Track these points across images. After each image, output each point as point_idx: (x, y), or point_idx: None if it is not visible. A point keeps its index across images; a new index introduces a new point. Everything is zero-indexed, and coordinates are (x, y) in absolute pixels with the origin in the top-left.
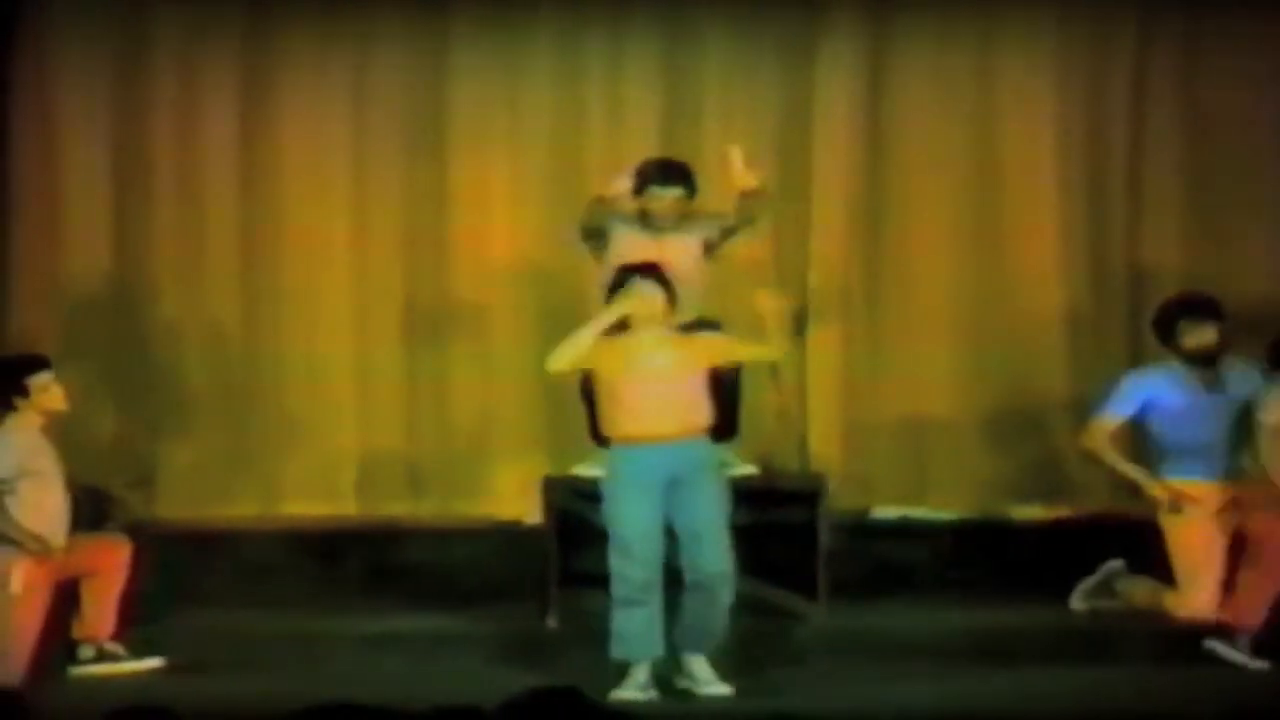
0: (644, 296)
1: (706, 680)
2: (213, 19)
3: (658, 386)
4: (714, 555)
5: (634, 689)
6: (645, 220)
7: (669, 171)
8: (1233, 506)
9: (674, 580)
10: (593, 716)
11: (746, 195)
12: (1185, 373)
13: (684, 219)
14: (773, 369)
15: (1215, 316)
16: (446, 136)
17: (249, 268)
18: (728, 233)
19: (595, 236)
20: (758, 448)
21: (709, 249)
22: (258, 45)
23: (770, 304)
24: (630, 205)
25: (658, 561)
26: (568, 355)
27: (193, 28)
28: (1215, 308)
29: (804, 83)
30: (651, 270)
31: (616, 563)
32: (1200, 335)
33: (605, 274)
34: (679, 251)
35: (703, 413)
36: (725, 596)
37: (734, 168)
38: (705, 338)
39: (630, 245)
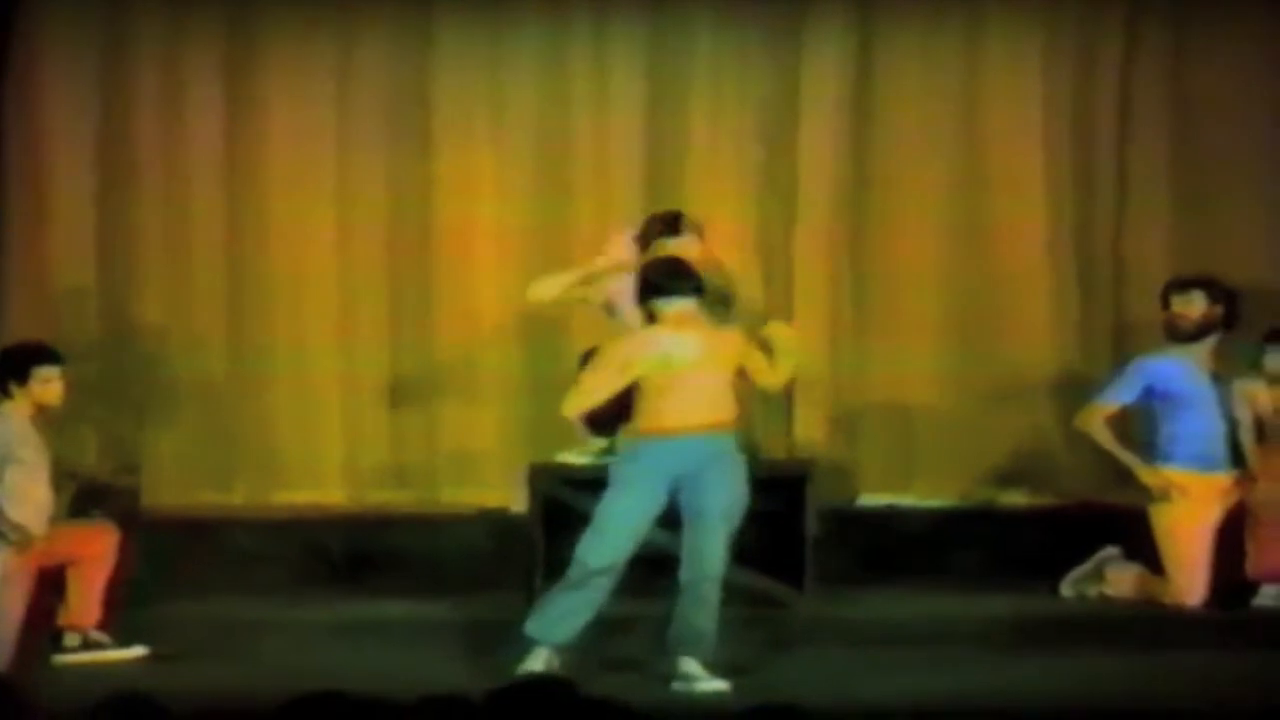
0: (676, 310)
1: (700, 678)
2: (196, 10)
3: (690, 380)
4: (708, 558)
5: (539, 665)
6: None
7: (674, 221)
8: (1233, 489)
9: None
10: (580, 706)
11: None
12: (1190, 361)
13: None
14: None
15: (1202, 287)
16: (431, 126)
17: (234, 257)
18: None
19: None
20: (743, 435)
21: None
22: (241, 36)
23: (782, 333)
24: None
25: (622, 557)
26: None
27: (176, 20)
28: (1204, 280)
29: (790, 72)
30: (680, 273)
31: (582, 548)
32: (1187, 303)
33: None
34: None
35: (729, 406)
36: (713, 596)
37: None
38: (733, 334)
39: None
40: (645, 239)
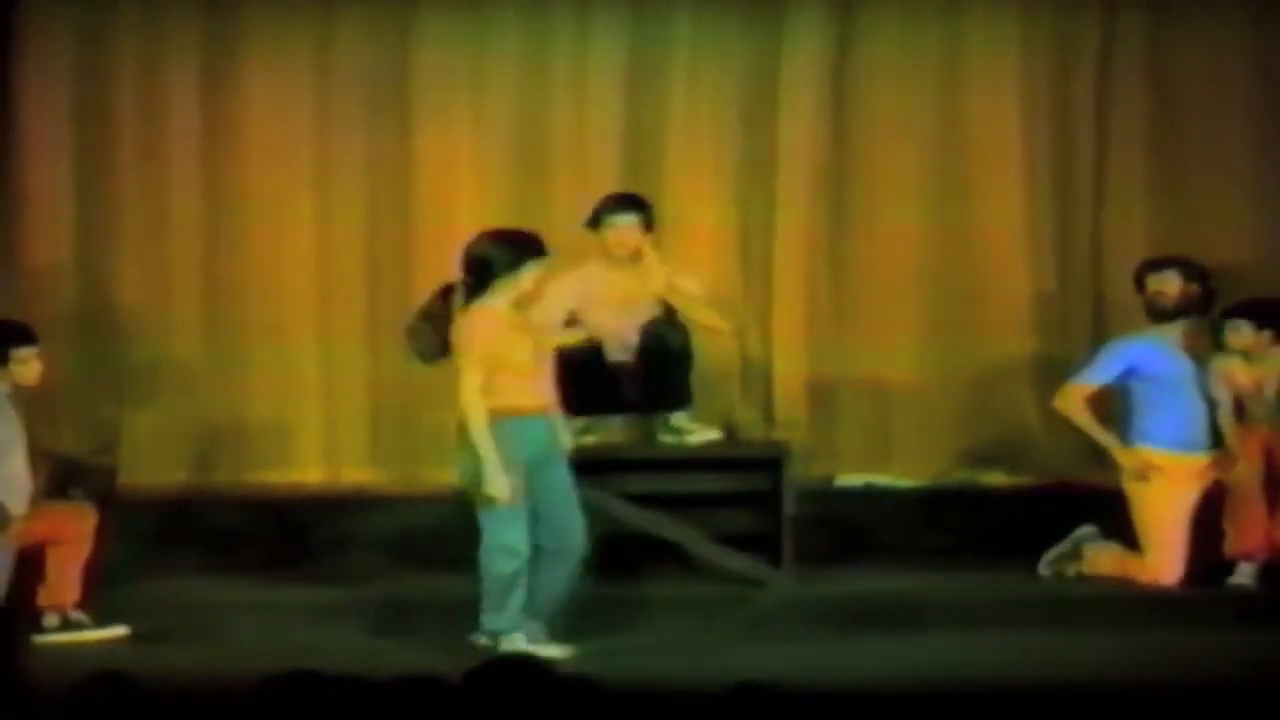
0: (533, 280)
1: (541, 642)
2: None
3: (538, 362)
4: (580, 527)
5: (524, 643)
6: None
7: (624, 200)
8: (1210, 469)
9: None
10: (553, 685)
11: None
12: (1168, 342)
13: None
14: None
15: (1175, 266)
16: (411, 103)
17: (212, 237)
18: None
19: None
20: (721, 414)
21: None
22: (220, 16)
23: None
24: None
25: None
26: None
27: None
28: (1177, 260)
29: (771, 51)
30: (518, 241)
31: (501, 537)
32: (1163, 281)
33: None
34: (637, 284)
35: (550, 390)
36: (578, 570)
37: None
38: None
39: (591, 276)
40: (597, 216)
